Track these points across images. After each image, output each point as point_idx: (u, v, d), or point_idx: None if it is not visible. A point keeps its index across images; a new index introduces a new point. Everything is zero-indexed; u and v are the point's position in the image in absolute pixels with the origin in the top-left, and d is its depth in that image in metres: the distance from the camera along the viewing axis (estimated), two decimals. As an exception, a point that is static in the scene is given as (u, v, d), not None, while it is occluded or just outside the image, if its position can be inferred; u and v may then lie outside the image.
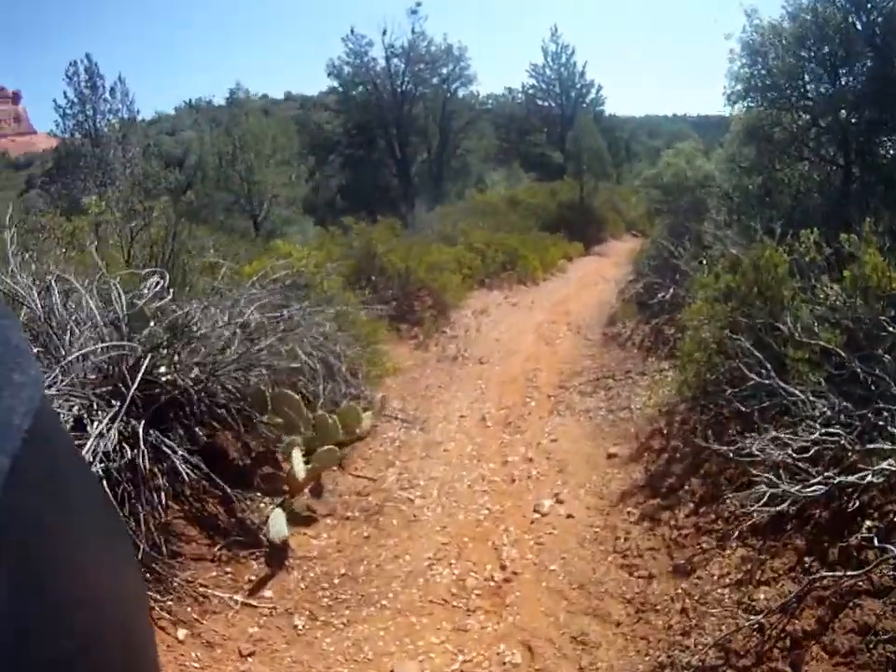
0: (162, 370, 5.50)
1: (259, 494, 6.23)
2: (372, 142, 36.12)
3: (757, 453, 4.69)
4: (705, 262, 8.68)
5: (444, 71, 35.78)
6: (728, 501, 5.18)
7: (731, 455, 4.94)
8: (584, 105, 42.36)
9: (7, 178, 54.05)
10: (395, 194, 34.84)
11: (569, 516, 6.29)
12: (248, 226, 22.76)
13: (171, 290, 6.39)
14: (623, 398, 8.97)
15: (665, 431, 7.20)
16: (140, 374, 5.05)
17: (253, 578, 5.33)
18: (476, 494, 6.89)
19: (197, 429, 5.68)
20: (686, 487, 5.92)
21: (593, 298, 16.58)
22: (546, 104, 44.65)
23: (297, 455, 5.82)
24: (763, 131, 9.99)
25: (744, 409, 5.41)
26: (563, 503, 6.52)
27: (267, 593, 5.23)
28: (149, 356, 5.29)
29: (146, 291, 6.16)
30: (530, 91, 44.50)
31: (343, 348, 7.85)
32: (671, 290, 10.78)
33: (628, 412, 8.42)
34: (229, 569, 5.31)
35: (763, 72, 9.47)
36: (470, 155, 36.42)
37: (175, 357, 5.55)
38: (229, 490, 5.53)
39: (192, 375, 5.50)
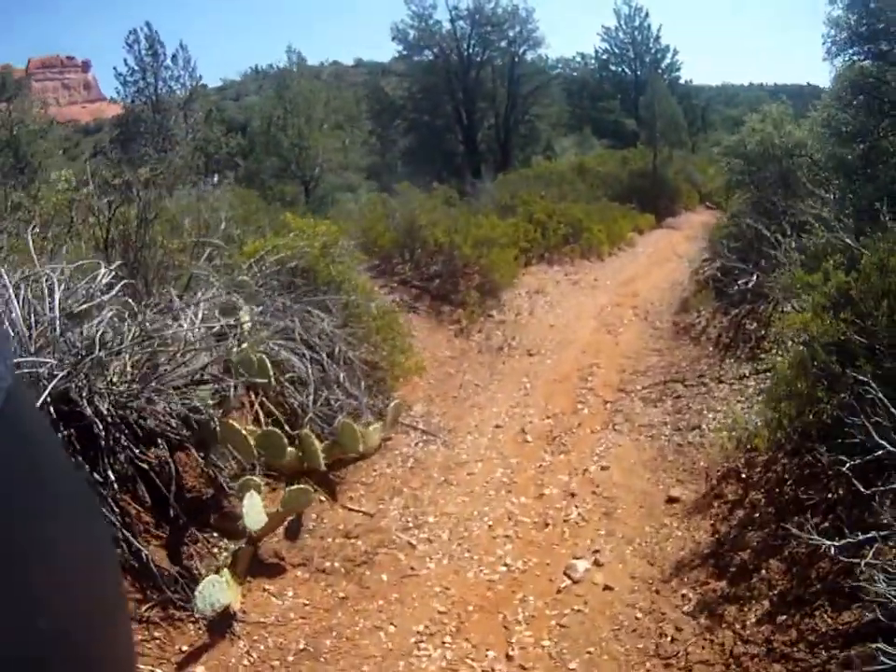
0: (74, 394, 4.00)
1: (216, 534, 4.75)
2: (438, 107, 34.22)
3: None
4: (801, 250, 6.84)
5: (511, 34, 33.52)
6: (818, 615, 3.50)
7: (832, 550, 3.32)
8: (659, 71, 39.63)
9: (77, 144, 53.73)
10: (460, 161, 33.13)
11: (607, 588, 4.65)
12: (300, 192, 21.29)
13: (129, 284, 4.95)
14: (694, 412, 7.23)
15: (743, 475, 5.42)
16: (46, 396, 3.63)
17: (186, 648, 3.96)
18: (496, 541, 5.30)
19: (137, 451, 4.18)
20: (763, 573, 4.17)
21: (663, 277, 14.72)
22: (619, 69, 42.35)
23: (251, 503, 4.24)
24: (868, 88, 7.99)
25: (862, 487, 3.49)
26: (602, 566, 4.88)
27: (198, 669, 3.85)
28: (67, 373, 3.85)
29: (91, 287, 4.70)
30: (603, 56, 42.16)
31: (343, 348, 6.23)
32: (754, 277, 8.93)
33: (699, 433, 6.67)
34: (157, 634, 3.96)
35: (870, 18, 7.52)
36: (539, 121, 34.27)
37: (84, 380, 4.01)
38: (183, 521, 4.12)
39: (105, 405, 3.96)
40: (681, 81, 39.63)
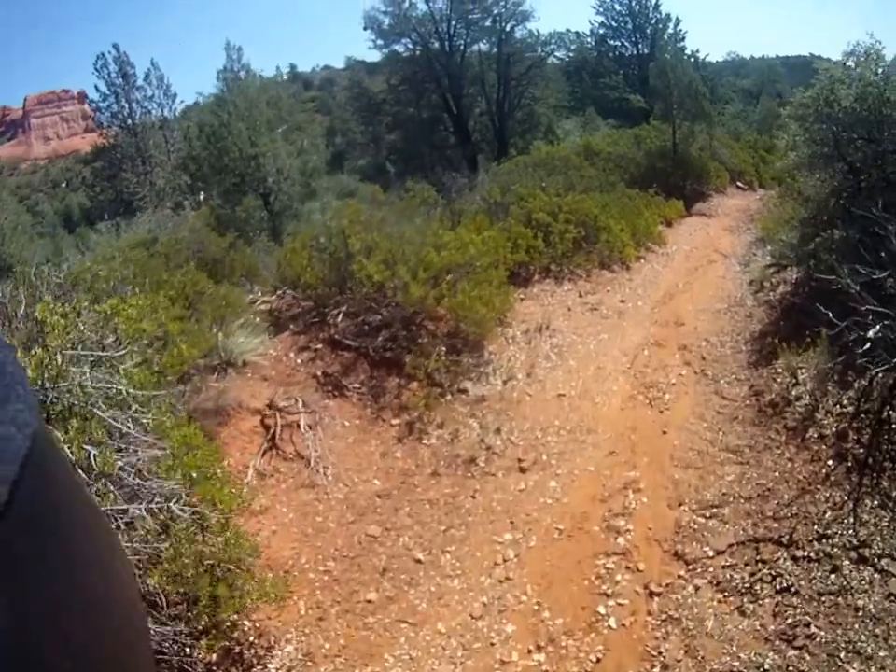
0: None
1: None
2: (422, 97, 29.77)
3: None
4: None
5: (495, 10, 28.91)
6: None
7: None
8: (662, 43, 34.95)
9: (79, 174, 51.86)
10: (452, 153, 28.75)
11: None
12: (257, 207, 17.00)
13: None
14: (820, 647, 3.28)
15: None
16: None
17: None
18: None
19: None
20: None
21: (713, 289, 10.50)
22: (619, 43, 37.66)
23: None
24: None
25: None
26: None
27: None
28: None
29: None
30: (600, 31, 37.48)
31: None
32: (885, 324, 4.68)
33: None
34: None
35: None
36: (537, 104, 29.66)
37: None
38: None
39: None
40: (687, 53, 34.53)
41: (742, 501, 4.82)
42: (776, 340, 7.12)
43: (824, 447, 5.04)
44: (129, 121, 28.10)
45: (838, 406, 5.37)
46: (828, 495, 4.52)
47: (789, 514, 4.48)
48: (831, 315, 5.30)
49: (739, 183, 22.73)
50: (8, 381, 0.44)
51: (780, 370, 6.61)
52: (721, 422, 6.15)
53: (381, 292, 7.19)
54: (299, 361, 6.88)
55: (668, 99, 20.25)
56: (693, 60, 33.01)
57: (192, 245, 9.44)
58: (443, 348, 7.09)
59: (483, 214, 11.51)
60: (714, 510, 4.78)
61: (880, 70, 7.85)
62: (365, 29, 28.97)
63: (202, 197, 19.86)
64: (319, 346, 7.07)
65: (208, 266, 8.77)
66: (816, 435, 5.24)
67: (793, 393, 6.02)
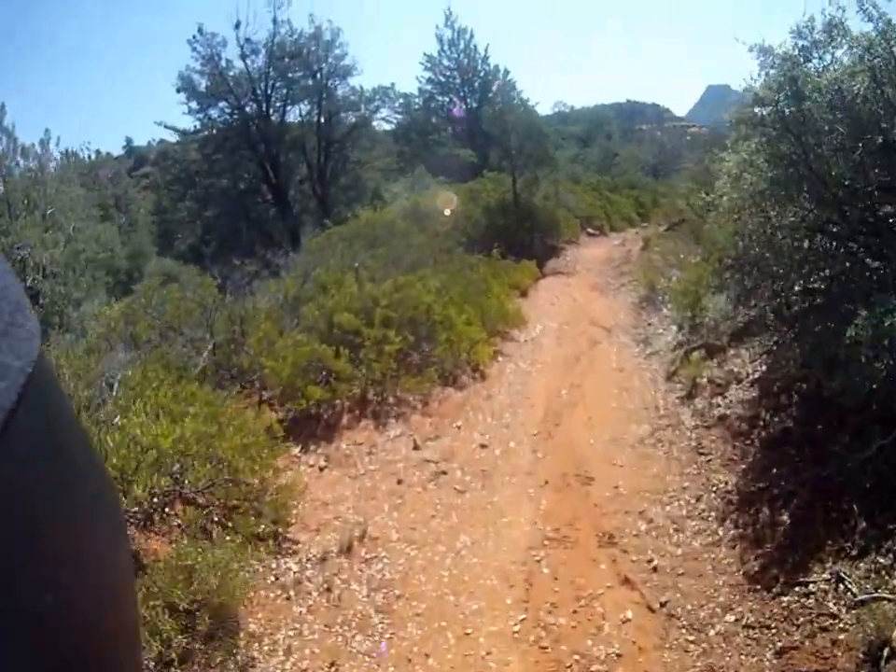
0: None
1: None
2: (237, 166, 25.52)
3: None
4: None
5: (316, 65, 25.14)
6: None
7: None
8: (490, 95, 32.24)
9: None
10: (273, 228, 24.63)
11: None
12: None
13: None
14: None
15: None
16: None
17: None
18: None
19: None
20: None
21: (615, 397, 6.93)
22: (446, 99, 34.71)
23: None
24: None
25: None
26: None
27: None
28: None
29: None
30: (427, 87, 34.42)
31: None
32: None
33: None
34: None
35: None
36: (362, 167, 25.95)
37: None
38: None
39: None
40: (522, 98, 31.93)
41: None
42: (782, 514, 3.52)
43: None
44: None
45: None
46: None
47: None
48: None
49: (590, 229, 19.73)
50: (11, 308, 0.41)
51: (831, 602, 2.98)
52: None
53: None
54: None
55: (506, 144, 16.93)
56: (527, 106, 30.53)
57: None
58: None
59: (270, 321, 7.52)
60: None
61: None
62: (178, 91, 24.54)
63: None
64: None
65: None
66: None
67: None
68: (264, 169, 25.16)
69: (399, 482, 5.52)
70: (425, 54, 34.05)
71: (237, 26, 23.81)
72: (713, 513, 4.61)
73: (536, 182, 16.99)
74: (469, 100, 33.87)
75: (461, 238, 14.08)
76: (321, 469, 5.74)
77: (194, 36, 23.97)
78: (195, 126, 25.66)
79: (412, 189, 22.56)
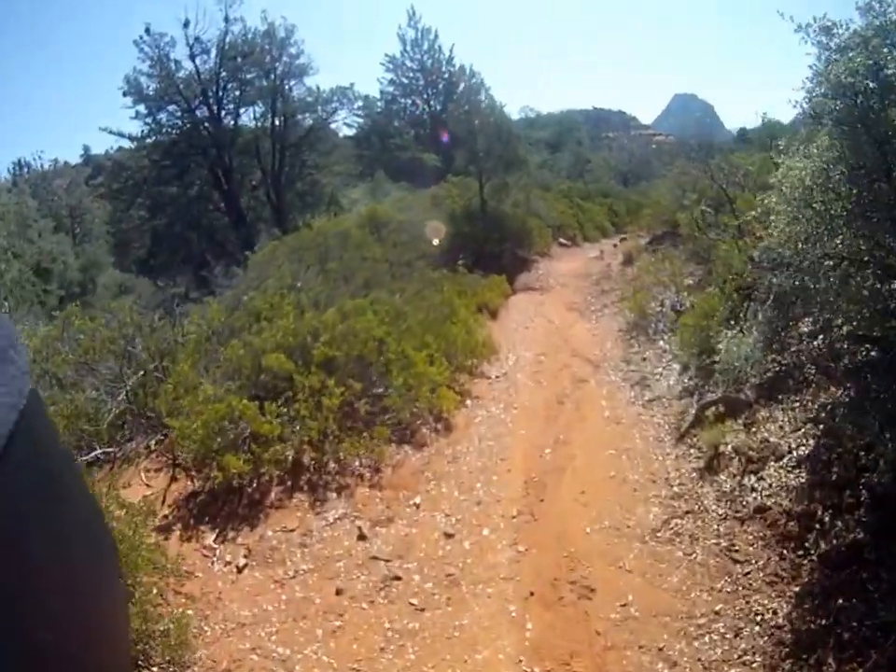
0: None
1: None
2: (187, 173, 23.80)
3: None
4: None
5: (269, 65, 23.57)
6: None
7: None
8: (455, 98, 30.77)
9: None
10: (225, 237, 23.03)
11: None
12: None
13: None
14: None
15: None
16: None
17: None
18: None
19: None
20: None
21: (612, 462, 5.61)
22: (409, 101, 33.31)
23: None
24: None
25: None
26: None
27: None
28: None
29: None
30: (389, 89, 32.97)
31: None
32: None
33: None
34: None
35: None
36: (320, 172, 24.40)
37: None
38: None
39: None
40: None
41: None
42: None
43: None
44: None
45: None
46: None
47: None
48: None
49: (562, 239, 18.35)
50: (4, 345, 0.44)
51: None
52: None
53: None
54: None
55: (473, 147, 15.53)
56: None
57: None
58: None
59: (192, 360, 6.09)
60: None
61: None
62: (125, 95, 22.81)
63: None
64: None
65: None
66: None
67: None
68: (216, 175, 23.63)
69: (339, 591, 4.09)
70: (386, 55, 32.71)
71: (186, 25, 22.38)
72: (758, 658, 3.27)
73: (505, 188, 15.57)
74: (432, 102, 32.66)
75: (423, 248, 12.65)
76: (239, 570, 4.31)
77: (141, 37, 22.38)
78: (142, 131, 24.03)
79: (371, 194, 21.07)
